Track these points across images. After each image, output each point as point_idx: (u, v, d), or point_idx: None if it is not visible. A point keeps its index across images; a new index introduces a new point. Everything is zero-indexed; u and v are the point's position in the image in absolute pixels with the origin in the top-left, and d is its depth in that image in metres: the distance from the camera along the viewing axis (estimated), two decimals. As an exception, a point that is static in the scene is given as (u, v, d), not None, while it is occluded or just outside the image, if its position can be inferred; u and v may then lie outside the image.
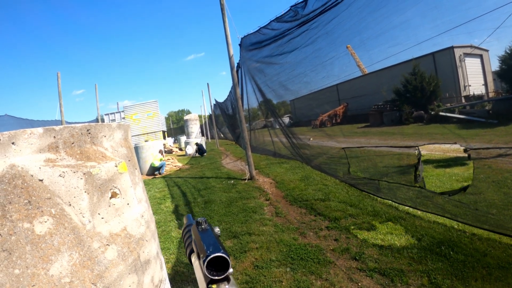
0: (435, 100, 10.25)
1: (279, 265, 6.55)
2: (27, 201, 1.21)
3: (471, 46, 9.48)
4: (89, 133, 1.52)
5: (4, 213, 1.16)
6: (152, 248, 1.73)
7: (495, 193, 9.35)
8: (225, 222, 9.24)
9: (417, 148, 8.98)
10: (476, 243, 6.85)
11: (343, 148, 11.38)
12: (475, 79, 10.77)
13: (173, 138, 67.09)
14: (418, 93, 10.29)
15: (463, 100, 10.71)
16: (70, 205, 1.30)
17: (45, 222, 1.21)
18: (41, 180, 1.27)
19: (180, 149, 45.36)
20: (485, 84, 10.68)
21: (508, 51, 7.60)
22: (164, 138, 60.10)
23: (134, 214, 1.67)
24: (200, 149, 31.84)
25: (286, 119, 16.41)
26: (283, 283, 5.95)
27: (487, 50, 10.03)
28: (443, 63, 10.76)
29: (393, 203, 9.69)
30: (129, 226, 1.60)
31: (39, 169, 1.28)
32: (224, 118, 36.26)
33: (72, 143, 1.43)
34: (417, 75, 10.13)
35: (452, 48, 9.87)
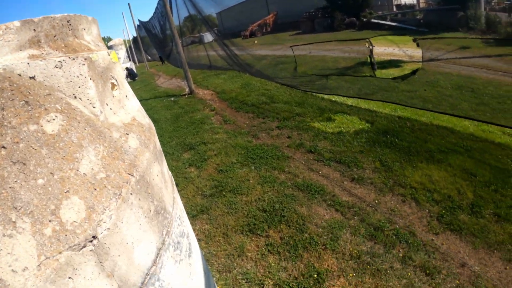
0: (367, 8, 10.25)
1: (241, 166, 6.66)
2: (23, 102, 1.04)
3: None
4: (70, 24, 1.32)
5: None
6: (157, 139, 1.65)
7: (429, 92, 9.86)
8: (177, 137, 9.14)
9: (367, 40, 9.13)
10: (417, 132, 7.34)
11: (290, 46, 11.29)
12: (406, -12, 10.84)
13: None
14: (349, 0, 10.23)
15: (395, 9, 10.78)
16: (75, 97, 1.15)
17: (54, 119, 1.07)
18: (32, 78, 1.10)
19: (109, 78, 43.16)
20: (417, -6, 10.78)
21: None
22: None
23: (135, 105, 1.58)
24: (130, 73, 30.40)
25: (214, 33, 15.97)
26: (251, 181, 6.08)
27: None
28: (375, -29, 10.70)
29: (337, 98, 9.96)
30: (137, 116, 1.51)
31: (28, 65, 1.10)
32: (151, 39, 34.44)
33: (55, 36, 1.24)
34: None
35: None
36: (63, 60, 1.12)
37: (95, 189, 1.08)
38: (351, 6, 10.37)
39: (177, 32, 14.71)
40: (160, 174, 1.52)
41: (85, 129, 1.12)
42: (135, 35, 47.20)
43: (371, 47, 9.38)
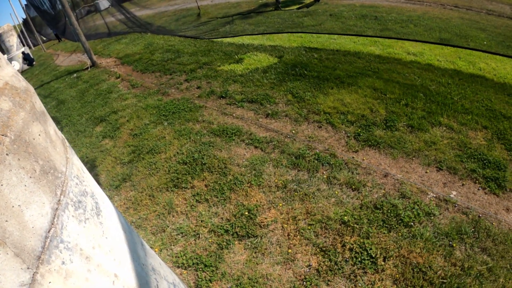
0: None
1: (155, 126, 6.44)
2: None
3: None
4: None
5: None
6: (40, 102, 1.51)
7: (333, 23, 10.03)
8: (86, 113, 8.65)
9: None
10: (324, 62, 7.41)
11: None
12: None
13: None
14: None
15: None
16: None
17: None
18: None
19: (4, 68, 40.38)
20: None
21: None
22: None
23: (10, 71, 1.45)
24: (26, 58, 28.33)
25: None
26: (167, 138, 5.90)
27: None
28: None
29: (243, 41, 9.91)
30: (10, 81, 1.40)
31: None
32: (42, 17, 32.17)
33: None
34: None
35: None
36: None
37: (-34, 151, 0.96)
38: None
39: (68, 3, 13.73)
40: (43, 134, 1.43)
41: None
42: (24, 17, 43.91)
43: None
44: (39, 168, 1.29)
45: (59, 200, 1.37)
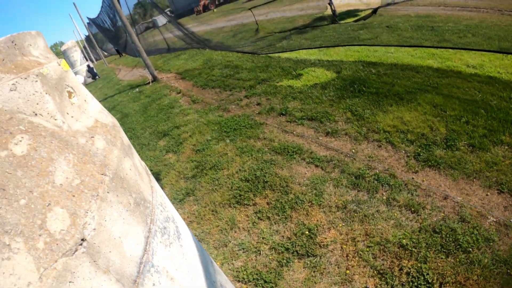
0: None
1: (217, 142, 6.74)
2: (-15, 131, 1.08)
3: None
4: (15, 44, 1.33)
5: (-32, 155, 1.03)
6: (124, 134, 1.68)
7: (389, 36, 9.95)
8: (149, 127, 9.11)
9: None
10: (382, 77, 7.41)
11: (249, 9, 11.32)
12: None
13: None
14: None
15: None
16: (36, 114, 1.18)
17: (21, 141, 1.10)
18: (-12, 105, 1.13)
19: (70, 83, 42.35)
20: None
21: None
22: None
23: (96, 107, 1.59)
24: (90, 72, 29.66)
25: (167, 15, 15.70)
26: (229, 154, 6.17)
27: None
28: None
29: (300, 56, 10.02)
30: (99, 118, 1.53)
31: (-20, 94, 1.13)
32: (104, 34, 33.62)
33: (3, 60, 1.25)
34: None
35: None
36: (16, 82, 1.15)
37: (74, 195, 1.13)
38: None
39: (128, 21, 14.40)
40: (133, 167, 1.57)
41: (52, 142, 1.16)
42: (87, 34, 46.03)
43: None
44: (132, 201, 1.44)
45: (149, 229, 1.53)
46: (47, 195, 1.08)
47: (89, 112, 1.50)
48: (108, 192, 1.27)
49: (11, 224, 0.99)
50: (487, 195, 4.16)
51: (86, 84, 29.01)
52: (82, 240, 1.10)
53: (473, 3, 11.02)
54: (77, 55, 37.12)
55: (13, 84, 1.16)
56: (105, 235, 1.20)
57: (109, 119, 1.62)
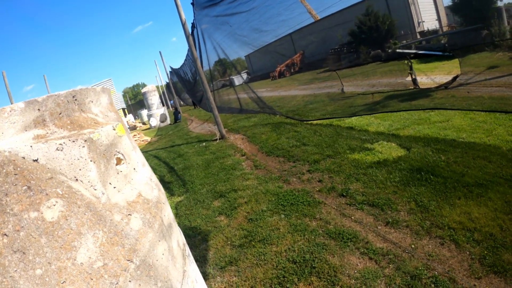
0: (391, 38, 10.32)
1: (272, 214, 6.58)
2: (26, 187, 1.03)
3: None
4: (76, 99, 1.33)
5: (3, 208, 0.98)
6: (169, 210, 1.62)
7: (462, 119, 9.68)
8: (208, 184, 9.18)
9: (407, 56, 9.35)
10: (452, 165, 7.02)
11: (334, 70, 11.54)
12: (428, 15, 10.92)
13: (133, 115, 66.03)
14: (373, 33, 10.32)
15: (418, 36, 10.87)
16: (77, 180, 1.14)
17: (54, 205, 1.05)
18: (35, 160, 1.09)
19: (144, 123, 44.89)
20: (439, 19, 10.84)
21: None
22: (125, 115, 58.78)
23: (143, 178, 1.54)
24: (175, 115, 32.73)
25: (244, 75, 16.22)
26: (281, 230, 5.98)
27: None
28: (396, 1, 10.85)
29: (367, 136, 9.88)
30: (143, 191, 1.48)
31: (31, 148, 1.10)
32: (183, 84, 35.77)
33: (60, 114, 1.24)
34: (371, 15, 10.15)
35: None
36: (64, 143, 1.12)
37: (92, 279, 1.05)
38: (375, 39, 10.45)
39: (205, 77, 15.04)
40: (167, 252, 1.48)
41: (85, 214, 1.10)
42: (167, 81, 48.90)
43: (409, 63, 9.58)
44: (156, 290, 1.35)
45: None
46: (65, 272, 1.00)
47: (135, 183, 1.46)
48: (130, 281, 1.17)
49: (21, 292, 0.94)
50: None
51: (158, 128, 30.79)
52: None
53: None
54: (155, 99, 39.75)
55: (60, 144, 1.13)
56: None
57: (155, 193, 1.56)
